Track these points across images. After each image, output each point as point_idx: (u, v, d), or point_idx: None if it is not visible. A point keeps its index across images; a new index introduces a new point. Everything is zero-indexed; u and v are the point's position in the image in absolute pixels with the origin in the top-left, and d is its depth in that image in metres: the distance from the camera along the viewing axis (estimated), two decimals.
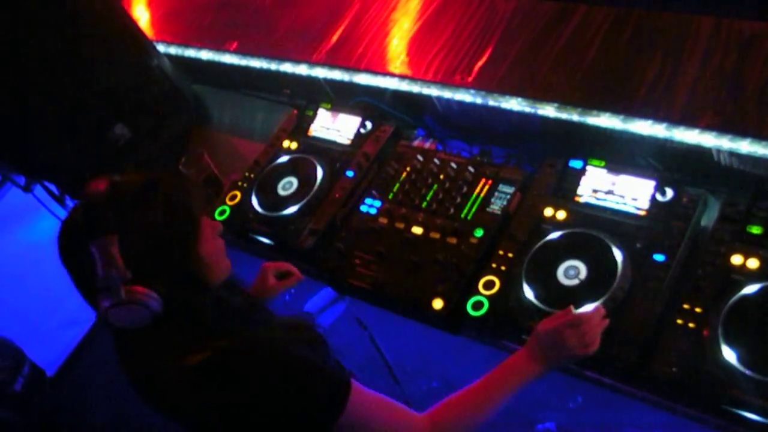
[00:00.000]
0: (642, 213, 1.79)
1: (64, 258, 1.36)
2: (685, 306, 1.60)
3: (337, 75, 2.30)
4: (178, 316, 1.37)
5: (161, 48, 2.66)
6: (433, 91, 2.11)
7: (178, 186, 1.41)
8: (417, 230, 1.98)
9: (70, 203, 2.85)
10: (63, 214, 2.96)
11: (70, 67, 2.34)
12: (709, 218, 1.76)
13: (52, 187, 2.85)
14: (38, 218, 3.35)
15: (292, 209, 2.15)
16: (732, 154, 1.72)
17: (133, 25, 2.49)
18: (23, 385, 3.32)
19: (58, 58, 2.30)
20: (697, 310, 1.59)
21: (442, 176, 2.05)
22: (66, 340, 3.73)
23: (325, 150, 2.29)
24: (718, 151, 1.73)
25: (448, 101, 2.13)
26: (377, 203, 2.08)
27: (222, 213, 2.28)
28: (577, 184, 1.89)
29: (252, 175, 2.32)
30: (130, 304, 1.30)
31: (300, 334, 1.54)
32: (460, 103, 2.10)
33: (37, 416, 3.39)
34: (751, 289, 1.56)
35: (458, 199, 1.99)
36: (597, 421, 2.73)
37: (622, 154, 1.87)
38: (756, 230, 1.64)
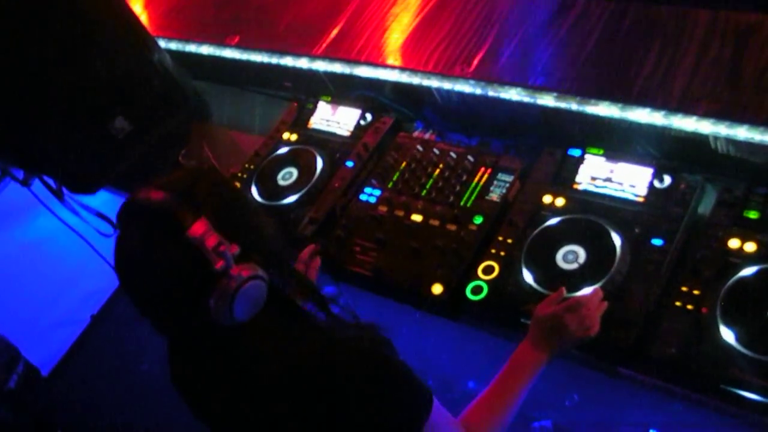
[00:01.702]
0: (640, 199, 1.81)
1: (150, 271, 1.25)
2: (684, 288, 1.62)
3: (337, 68, 2.32)
4: (274, 300, 1.32)
5: (162, 43, 2.67)
6: (433, 83, 2.13)
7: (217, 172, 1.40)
8: (417, 218, 1.99)
9: (68, 197, 2.84)
10: (61, 210, 2.94)
11: (70, 61, 2.35)
12: (705, 205, 1.78)
13: (51, 182, 2.84)
14: (35, 216, 3.34)
15: (291, 198, 2.16)
16: (729, 141, 1.73)
17: (134, 19, 2.50)
18: (17, 383, 3.29)
19: (59, 51, 2.31)
20: (695, 292, 1.60)
21: (441, 165, 2.06)
22: (61, 340, 3.71)
23: (325, 141, 2.30)
24: (715, 138, 1.75)
25: (448, 93, 2.15)
26: (377, 192, 2.10)
27: None
28: (576, 172, 1.91)
29: (252, 167, 2.33)
30: (253, 279, 1.24)
31: (374, 333, 1.44)
32: (460, 95, 2.12)
33: (30, 415, 3.36)
34: (748, 271, 1.57)
35: (458, 188, 2.00)
36: (594, 420, 2.72)
37: (620, 143, 1.89)
38: (753, 215, 1.66)
